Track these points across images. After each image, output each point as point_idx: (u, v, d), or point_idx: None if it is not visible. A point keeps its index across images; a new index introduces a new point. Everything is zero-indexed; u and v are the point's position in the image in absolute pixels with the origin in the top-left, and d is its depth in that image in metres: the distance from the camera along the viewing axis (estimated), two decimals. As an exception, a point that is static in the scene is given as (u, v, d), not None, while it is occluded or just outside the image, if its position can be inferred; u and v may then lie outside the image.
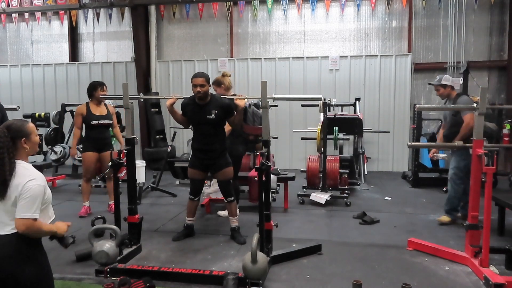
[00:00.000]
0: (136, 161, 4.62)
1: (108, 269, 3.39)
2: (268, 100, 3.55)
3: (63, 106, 8.20)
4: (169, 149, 7.15)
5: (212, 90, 4.28)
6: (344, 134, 6.90)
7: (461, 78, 7.16)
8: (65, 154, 7.18)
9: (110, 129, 5.39)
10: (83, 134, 5.31)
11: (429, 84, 5.34)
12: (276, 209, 5.45)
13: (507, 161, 8.37)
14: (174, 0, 9.16)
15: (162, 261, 3.77)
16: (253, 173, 5.22)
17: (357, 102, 7.81)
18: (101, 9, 9.78)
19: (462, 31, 8.51)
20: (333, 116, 6.65)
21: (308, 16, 9.21)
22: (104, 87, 5.22)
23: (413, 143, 6.06)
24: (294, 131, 7.79)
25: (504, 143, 7.44)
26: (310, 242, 4.06)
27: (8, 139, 2.06)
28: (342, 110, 7.89)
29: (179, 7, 9.63)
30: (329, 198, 5.73)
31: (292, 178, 5.65)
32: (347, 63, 8.91)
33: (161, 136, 9.32)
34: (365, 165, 7.75)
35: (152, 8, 9.47)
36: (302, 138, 7.63)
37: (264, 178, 3.47)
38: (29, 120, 2.00)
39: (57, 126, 8.11)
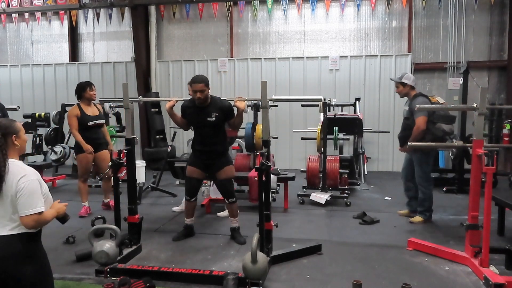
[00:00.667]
0: (136, 161, 4.63)
1: (108, 269, 3.39)
2: (268, 100, 3.55)
3: (63, 106, 8.19)
4: (169, 149, 7.15)
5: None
6: (344, 134, 6.91)
7: (461, 78, 7.14)
8: (65, 154, 7.17)
9: None
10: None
11: (391, 79, 5.32)
12: (276, 209, 5.45)
13: (507, 161, 8.38)
14: (174, 0, 9.15)
15: (162, 261, 3.77)
16: (253, 173, 5.22)
17: (357, 102, 7.81)
18: (101, 9, 9.78)
19: (462, 31, 8.51)
20: (333, 116, 6.65)
21: (308, 16, 9.21)
22: (93, 86, 5.18)
23: (413, 143, 6.04)
24: (294, 131, 7.79)
25: (504, 143, 7.45)
26: (310, 242, 4.06)
27: (0, 136, 2.07)
28: (342, 110, 7.89)
29: (179, 7, 9.63)
30: (329, 198, 5.73)
31: (292, 178, 5.65)
32: (347, 63, 8.91)
33: (161, 136, 9.32)
34: (365, 165, 7.75)
35: (152, 8, 9.47)
36: (302, 138, 7.63)
37: (264, 178, 3.47)
38: (24, 121, 2.01)
39: (57, 126, 8.11)
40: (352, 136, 7.57)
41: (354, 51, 9.11)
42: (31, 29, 10.62)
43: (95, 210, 5.47)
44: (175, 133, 7.41)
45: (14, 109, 6.32)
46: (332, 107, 6.40)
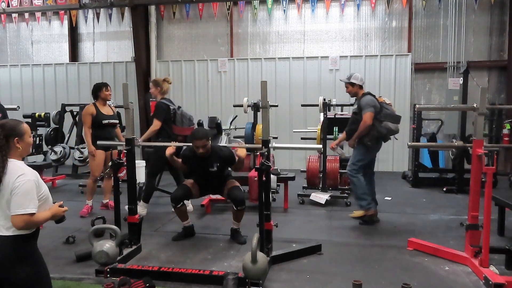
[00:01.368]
0: (136, 161, 4.62)
1: (108, 269, 3.39)
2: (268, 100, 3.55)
3: (63, 106, 8.19)
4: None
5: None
6: (344, 134, 6.88)
7: (461, 78, 7.15)
8: (65, 154, 7.18)
9: None
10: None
11: (340, 80, 5.35)
12: (276, 209, 5.45)
13: (507, 161, 8.37)
14: (174, 0, 9.15)
15: (162, 261, 3.77)
16: (253, 173, 5.22)
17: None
18: (101, 9, 9.78)
19: (462, 31, 8.51)
20: (333, 116, 6.64)
21: (308, 16, 9.21)
22: (108, 87, 5.35)
23: (413, 143, 6.06)
24: (294, 131, 7.78)
25: (504, 143, 7.44)
26: (310, 242, 4.06)
27: (1, 137, 2.07)
28: (342, 110, 7.87)
29: (179, 7, 9.63)
30: (329, 198, 5.73)
31: (292, 178, 5.65)
32: (347, 63, 8.91)
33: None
34: (365, 165, 7.73)
35: (152, 8, 9.47)
36: (302, 138, 7.62)
37: (264, 178, 3.47)
38: (24, 121, 2.00)
39: (57, 126, 8.10)
40: (352, 136, 7.56)
41: (354, 51, 9.11)
42: (31, 29, 10.62)
43: (95, 210, 5.46)
44: (175, 133, 7.40)
45: (14, 109, 6.33)
46: (332, 107, 6.40)
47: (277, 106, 6.62)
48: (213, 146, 4.19)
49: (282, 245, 3.99)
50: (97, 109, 5.21)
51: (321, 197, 5.74)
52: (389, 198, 6.26)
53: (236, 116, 6.99)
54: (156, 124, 4.95)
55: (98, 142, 4.82)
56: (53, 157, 7.16)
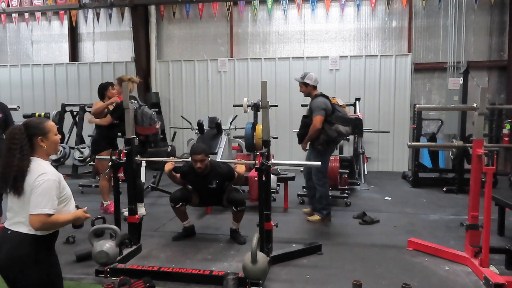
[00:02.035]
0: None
1: (108, 269, 3.39)
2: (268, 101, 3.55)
3: (63, 106, 8.19)
4: (169, 149, 7.15)
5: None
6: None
7: (461, 78, 7.15)
8: (65, 154, 7.18)
9: None
10: (94, 134, 5.36)
11: (294, 79, 5.34)
12: (276, 209, 5.45)
13: (507, 161, 8.37)
14: (174, 0, 9.16)
15: (162, 261, 3.77)
16: (253, 173, 5.22)
17: (357, 102, 7.81)
18: (101, 9, 9.78)
19: (462, 31, 8.50)
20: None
21: (308, 16, 9.21)
22: (114, 86, 5.38)
23: (413, 143, 6.06)
24: (294, 131, 7.74)
25: (504, 143, 7.45)
26: (310, 242, 4.06)
27: (24, 136, 2.04)
28: (342, 110, 7.87)
29: (179, 7, 9.63)
30: (329, 198, 5.72)
31: (292, 178, 5.65)
32: (347, 63, 8.91)
33: (161, 136, 9.30)
34: (365, 165, 7.74)
35: (152, 8, 9.46)
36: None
37: (264, 178, 3.47)
38: (49, 119, 2.00)
39: (57, 126, 8.07)
40: (352, 136, 7.56)
41: (354, 51, 9.10)
42: (31, 29, 10.61)
43: (94, 210, 5.45)
44: (175, 133, 7.41)
45: (14, 109, 6.30)
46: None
47: (277, 106, 6.58)
48: (212, 163, 4.16)
49: (282, 245, 4.00)
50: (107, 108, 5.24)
51: (321, 197, 5.73)
52: (389, 198, 6.26)
53: (236, 116, 6.99)
54: (106, 120, 5.06)
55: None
56: (53, 157, 7.14)
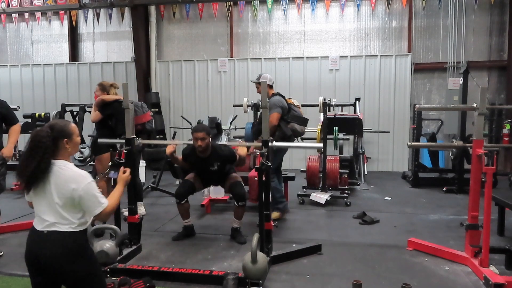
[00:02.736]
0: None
1: (108, 269, 3.39)
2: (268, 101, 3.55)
3: (63, 106, 8.19)
4: (169, 149, 7.13)
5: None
6: (344, 134, 6.90)
7: (461, 78, 7.15)
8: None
9: None
10: (95, 134, 5.34)
11: (251, 81, 5.37)
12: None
13: (507, 161, 8.37)
14: (174, 0, 9.16)
15: (162, 261, 3.77)
16: (253, 173, 5.22)
17: (357, 102, 7.80)
18: (101, 9, 9.79)
19: (462, 31, 8.51)
20: (333, 116, 6.64)
21: (308, 16, 9.21)
22: (95, 92, 5.26)
23: (413, 143, 6.07)
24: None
25: (504, 143, 7.45)
26: (310, 242, 4.06)
27: (50, 139, 2.07)
28: (342, 110, 7.88)
29: (179, 7, 9.63)
30: (329, 198, 5.73)
31: (292, 178, 5.65)
32: (347, 63, 8.91)
33: (161, 136, 9.31)
34: (365, 165, 7.74)
35: (152, 8, 9.47)
36: (302, 138, 7.62)
37: (264, 178, 3.47)
38: (71, 120, 2.04)
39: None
40: (352, 136, 7.57)
41: (354, 51, 9.11)
42: (31, 29, 10.62)
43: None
44: (175, 133, 7.41)
45: (14, 109, 6.30)
46: (332, 107, 6.40)
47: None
48: (213, 145, 4.23)
49: (282, 245, 4.00)
50: None
51: (321, 197, 5.74)
52: (389, 198, 6.26)
53: (236, 116, 6.99)
54: (94, 117, 4.97)
55: (99, 140, 4.75)
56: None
